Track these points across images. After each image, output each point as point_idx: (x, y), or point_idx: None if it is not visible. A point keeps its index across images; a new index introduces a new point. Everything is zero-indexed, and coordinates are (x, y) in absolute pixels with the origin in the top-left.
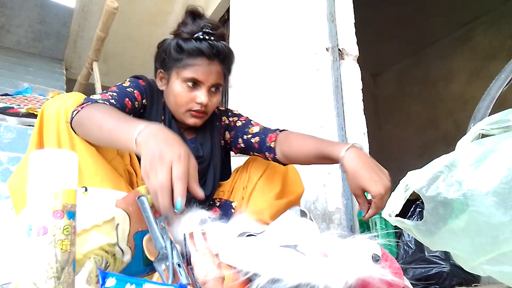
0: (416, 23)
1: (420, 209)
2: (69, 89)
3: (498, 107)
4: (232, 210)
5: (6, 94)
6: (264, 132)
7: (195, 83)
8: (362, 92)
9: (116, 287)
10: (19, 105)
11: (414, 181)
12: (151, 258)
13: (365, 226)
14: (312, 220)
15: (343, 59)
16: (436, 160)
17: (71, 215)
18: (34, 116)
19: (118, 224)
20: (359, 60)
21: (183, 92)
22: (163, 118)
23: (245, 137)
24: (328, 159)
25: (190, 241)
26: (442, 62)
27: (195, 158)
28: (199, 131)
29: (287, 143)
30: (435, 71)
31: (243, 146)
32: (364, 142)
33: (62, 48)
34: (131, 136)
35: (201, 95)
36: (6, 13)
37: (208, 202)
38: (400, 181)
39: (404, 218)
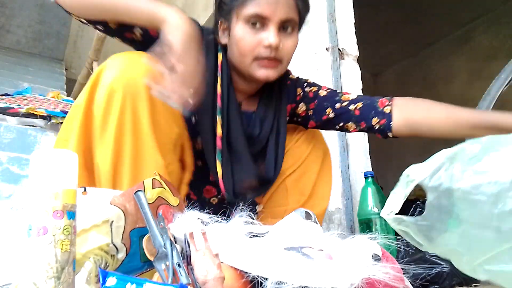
0: (416, 23)
1: (420, 209)
2: (69, 89)
3: (498, 107)
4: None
5: (6, 94)
6: (366, 98)
7: (261, 21)
8: (362, 92)
9: (117, 287)
10: (19, 105)
11: (416, 172)
12: (151, 258)
13: (365, 226)
14: (316, 222)
15: (343, 59)
16: (438, 153)
17: (71, 215)
18: (34, 116)
19: (112, 222)
20: (359, 60)
21: (246, 35)
22: (219, 81)
23: (337, 105)
24: (495, 129)
25: (190, 241)
26: (442, 62)
27: (245, 137)
28: (262, 103)
29: (416, 108)
30: (435, 71)
31: (332, 116)
32: (364, 142)
33: (62, 48)
34: (163, 10)
35: (268, 35)
36: (6, 13)
37: (264, 192)
38: (402, 173)
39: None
